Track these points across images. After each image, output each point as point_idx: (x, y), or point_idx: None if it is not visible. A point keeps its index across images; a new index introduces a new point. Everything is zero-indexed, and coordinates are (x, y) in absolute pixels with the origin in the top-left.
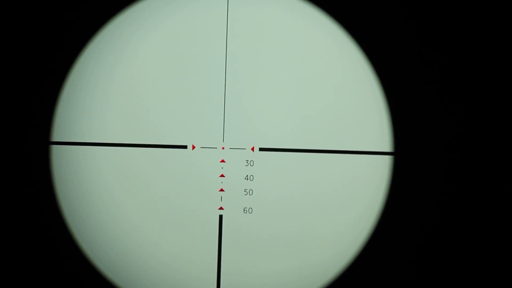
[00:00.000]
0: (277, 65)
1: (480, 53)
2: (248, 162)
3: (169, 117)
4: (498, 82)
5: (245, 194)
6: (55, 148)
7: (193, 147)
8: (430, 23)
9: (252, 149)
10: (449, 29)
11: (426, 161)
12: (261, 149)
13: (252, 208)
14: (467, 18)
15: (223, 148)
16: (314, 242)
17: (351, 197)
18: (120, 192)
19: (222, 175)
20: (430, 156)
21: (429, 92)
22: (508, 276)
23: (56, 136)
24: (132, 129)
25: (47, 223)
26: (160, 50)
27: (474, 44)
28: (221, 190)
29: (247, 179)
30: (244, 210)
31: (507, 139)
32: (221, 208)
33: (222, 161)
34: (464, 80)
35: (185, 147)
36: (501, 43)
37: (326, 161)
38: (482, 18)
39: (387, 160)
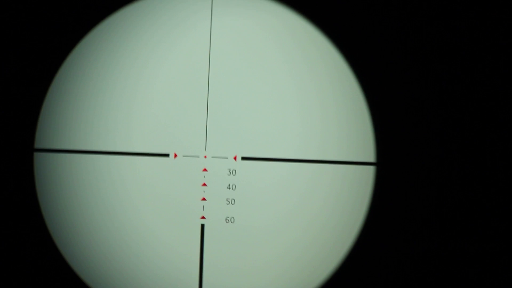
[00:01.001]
0: (260, 74)
1: (466, 62)
2: (231, 171)
3: (151, 125)
4: (484, 92)
5: (227, 204)
6: (37, 156)
7: (175, 156)
8: (414, 31)
9: (235, 158)
10: (434, 38)
11: (410, 171)
12: (243, 158)
13: (234, 217)
14: (454, 25)
15: (205, 156)
16: (298, 252)
17: (335, 207)
18: (102, 201)
19: (204, 184)
20: (414, 166)
21: (412, 102)
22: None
23: (38, 143)
24: (113, 137)
25: (29, 230)
26: (143, 58)
27: (459, 53)
28: (203, 199)
29: (230, 188)
30: (226, 220)
31: (492, 149)
32: (203, 218)
33: (204, 170)
34: (449, 90)
35: (167, 155)
36: (488, 51)
37: (309, 171)
38: (470, 25)
39: (370, 170)
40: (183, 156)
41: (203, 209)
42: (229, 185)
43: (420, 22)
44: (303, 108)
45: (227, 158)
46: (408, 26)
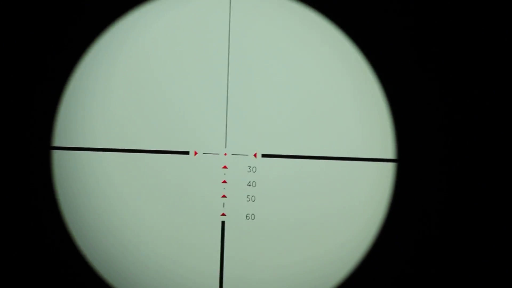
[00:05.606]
0: (280, 71)
1: (484, 58)
2: (251, 168)
3: (171, 123)
4: (502, 88)
5: (248, 201)
6: (56, 153)
7: (195, 153)
8: (433, 27)
9: (255, 155)
10: (452, 34)
11: (430, 168)
12: (263, 155)
13: (255, 214)
14: (471, 22)
15: (225, 154)
16: (317, 249)
17: (355, 204)
18: (122, 198)
19: (224, 181)
20: (434, 163)
21: (432, 99)
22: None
23: (57, 141)
24: (134, 135)
25: (48, 228)
26: (162, 55)
27: (477, 49)
28: (224, 196)
29: (250, 185)
30: (246, 217)
31: (511, 145)
32: (223, 215)
33: (225, 167)
34: (468, 86)
35: (187, 153)
36: (503, 46)
37: (329, 167)
38: (486, 22)
39: (390, 167)
40: (203, 153)
41: (223, 206)
42: (250, 182)
43: (442, 16)
44: (323, 105)
45: (247, 155)
46: (429, 18)
